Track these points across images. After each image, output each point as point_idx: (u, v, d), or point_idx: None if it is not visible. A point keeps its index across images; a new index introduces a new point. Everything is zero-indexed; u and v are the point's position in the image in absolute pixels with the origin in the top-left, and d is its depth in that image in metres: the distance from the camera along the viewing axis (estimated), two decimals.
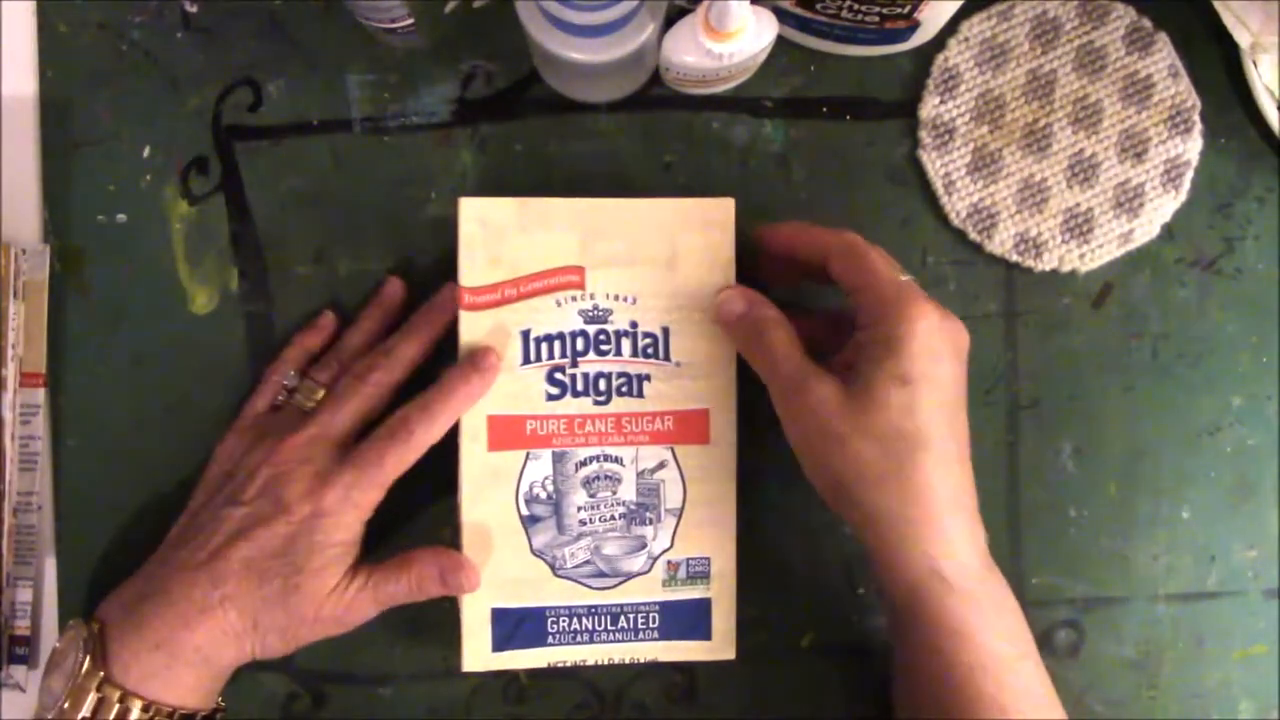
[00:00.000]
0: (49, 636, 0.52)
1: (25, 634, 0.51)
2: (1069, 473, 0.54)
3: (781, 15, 0.49)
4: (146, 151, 0.52)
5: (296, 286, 0.52)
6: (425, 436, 0.46)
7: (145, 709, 0.44)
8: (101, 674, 0.44)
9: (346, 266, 0.53)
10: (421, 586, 0.47)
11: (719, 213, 0.49)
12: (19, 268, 0.51)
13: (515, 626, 0.49)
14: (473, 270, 0.48)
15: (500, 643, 0.49)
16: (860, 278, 0.45)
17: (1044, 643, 0.53)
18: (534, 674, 0.52)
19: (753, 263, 0.50)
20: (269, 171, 0.53)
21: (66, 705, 0.44)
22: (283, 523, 0.45)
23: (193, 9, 0.53)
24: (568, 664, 0.49)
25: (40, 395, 0.51)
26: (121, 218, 0.52)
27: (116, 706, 0.44)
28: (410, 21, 0.49)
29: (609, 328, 0.49)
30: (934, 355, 0.43)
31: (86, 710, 0.44)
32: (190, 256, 0.52)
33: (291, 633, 0.46)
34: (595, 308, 0.49)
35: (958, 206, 0.53)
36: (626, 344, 0.49)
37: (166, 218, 0.52)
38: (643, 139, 0.53)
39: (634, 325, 0.49)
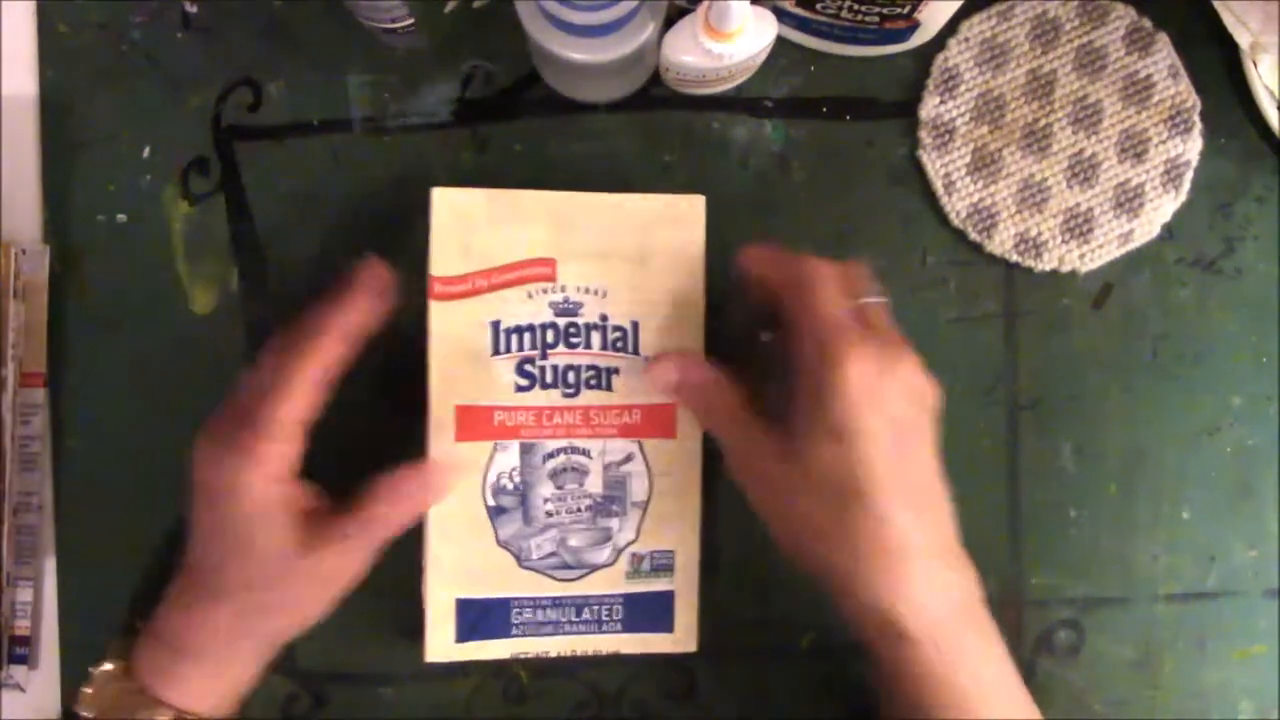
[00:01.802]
0: (49, 636, 0.52)
1: (25, 634, 0.51)
2: (1069, 473, 0.54)
3: (781, 15, 0.49)
4: (146, 151, 0.52)
5: (296, 286, 0.52)
6: (289, 369, 0.43)
7: (152, 703, 0.44)
8: (123, 664, 0.45)
9: (346, 266, 0.52)
10: (405, 507, 0.45)
11: (688, 210, 0.49)
12: (19, 268, 0.51)
13: (479, 617, 0.49)
14: (444, 260, 0.48)
15: (464, 633, 0.49)
16: (800, 316, 0.42)
17: (1044, 643, 0.53)
18: (535, 673, 0.52)
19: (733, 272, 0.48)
20: (269, 171, 0.53)
21: (90, 691, 0.45)
22: (210, 508, 0.44)
23: (193, 9, 0.53)
24: (530, 655, 0.49)
25: (40, 395, 0.51)
26: (121, 218, 0.52)
27: (132, 698, 0.44)
28: (410, 21, 0.49)
29: (579, 320, 0.49)
30: (870, 405, 0.40)
31: (107, 700, 0.45)
32: (190, 256, 0.52)
33: (294, 606, 0.45)
34: (566, 300, 0.49)
35: (958, 206, 0.53)
36: (596, 337, 0.49)
37: (166, 218, 0.52)
38: (643, 139, 0.53)
39: (604, 319, 0.49)
